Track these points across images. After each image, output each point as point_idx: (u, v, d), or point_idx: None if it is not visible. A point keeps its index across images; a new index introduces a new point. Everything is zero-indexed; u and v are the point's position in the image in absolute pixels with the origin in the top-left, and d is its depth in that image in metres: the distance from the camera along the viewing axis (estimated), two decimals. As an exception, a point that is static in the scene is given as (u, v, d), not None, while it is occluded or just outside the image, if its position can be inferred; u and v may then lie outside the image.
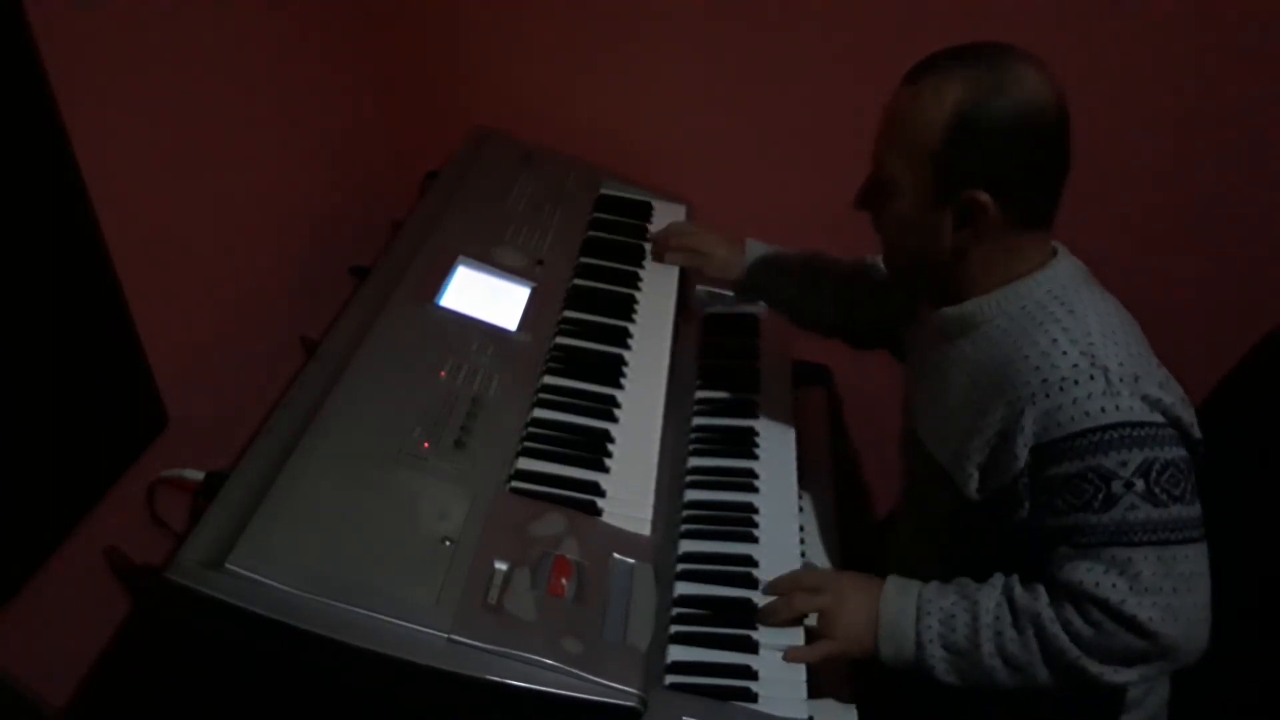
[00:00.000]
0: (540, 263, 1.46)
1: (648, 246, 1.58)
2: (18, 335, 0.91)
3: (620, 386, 1.32)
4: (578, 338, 1.38)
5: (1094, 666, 1.02)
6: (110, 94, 1.00)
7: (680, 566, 1.23)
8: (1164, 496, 0.99)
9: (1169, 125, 1.62)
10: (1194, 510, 1.01)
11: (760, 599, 1.19)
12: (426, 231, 1.44)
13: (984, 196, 1.03)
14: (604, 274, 1.50)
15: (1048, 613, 1.03)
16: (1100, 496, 1.00)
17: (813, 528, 1.42)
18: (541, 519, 1.10)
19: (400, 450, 1.09)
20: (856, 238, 1.26)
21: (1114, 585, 0.99)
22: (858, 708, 1.17)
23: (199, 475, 1.13)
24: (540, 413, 1.24)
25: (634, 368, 1.36)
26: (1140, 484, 0.99)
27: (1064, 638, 1.02)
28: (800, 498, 1.40)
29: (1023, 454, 1.03)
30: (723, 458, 1.39)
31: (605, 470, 1.20)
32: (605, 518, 1.14)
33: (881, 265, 1.41)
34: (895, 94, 1.08)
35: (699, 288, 1.66)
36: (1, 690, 0.95)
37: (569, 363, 1.33)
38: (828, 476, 1.51)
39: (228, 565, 0.93)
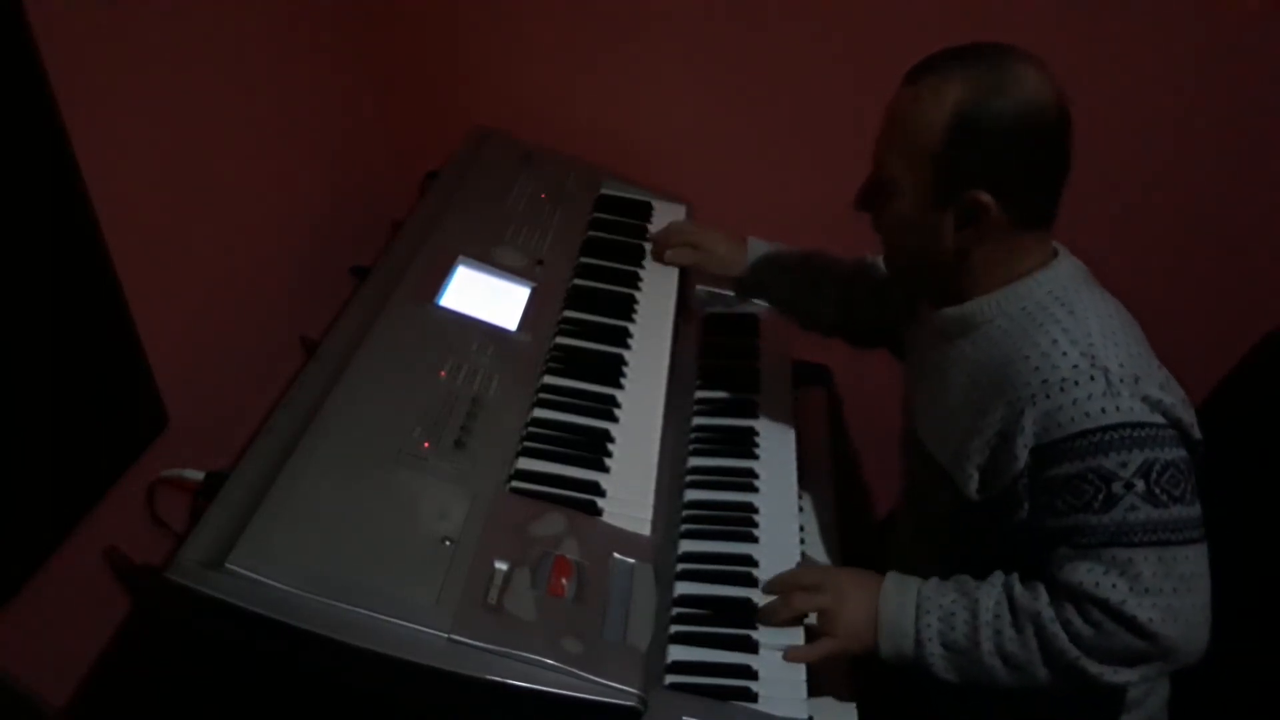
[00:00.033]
0: (540, 263, 1.46)
1: (648, 246, 1.58)
2: (18, 335, 0.90)
3: (620, 386, 1.32)
4: (578, 338, 1.38)
5: (1094, 667, 1.02)
6: (110, 94, 1.00)
7: (680, 566, 1.23)
8: (1164, 497, 0.99)
9: (1169, 125, 1.62)
10: (1194, 511, 1.02)
11: (760, 599, 1.19)
12: (426, 231, 1.44)
13: (985, 197, 1.03)
14: (604, 274, 1.50)
15: (1048, 612, 1.03)
16: (1100, 497, 1.00)
17: (813, 528, 1.42)
18: (541, 519, 1.10)
19: (400, 450, 1.09)
20: (856, 238, 1.26)
21: (1114, 586, 0.99)
22: (858, 707, 1.17)
23: (199, 475, 1.13)
24: (540, 413, 1.24)
25: (634, 368, 1.36)
26: (1140, 485, 0.99)
27: (1064, 637, 1.02)
28: (800, 498, 1.40)
29: (1023, 454, 1.03)
30: (723, 458, 1.39)
31: (605, 470, 1.20)
32: (605, 518, 1.14)
33: (882, 264, 1.41)
34: (895, 94, 1.08)
35: (699, 288, 1.66)
36: (1, 690, 0.95)
37: (569, 363, 1.33)
38: (828, 476, 1.51)
39: (228, 565, 0.93)
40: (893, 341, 1.42)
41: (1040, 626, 1.03)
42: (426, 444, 1.11)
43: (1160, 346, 1.10)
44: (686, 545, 1.26)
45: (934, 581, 1.12)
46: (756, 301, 1.59)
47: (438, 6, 1.68)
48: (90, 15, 0.96)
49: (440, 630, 0.94)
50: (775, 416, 1.47)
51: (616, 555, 1.10)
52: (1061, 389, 1.01)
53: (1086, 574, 1.01)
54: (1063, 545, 1.03)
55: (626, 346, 1.39)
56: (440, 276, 1.35)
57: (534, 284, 1.42)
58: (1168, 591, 0.99)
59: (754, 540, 1.27)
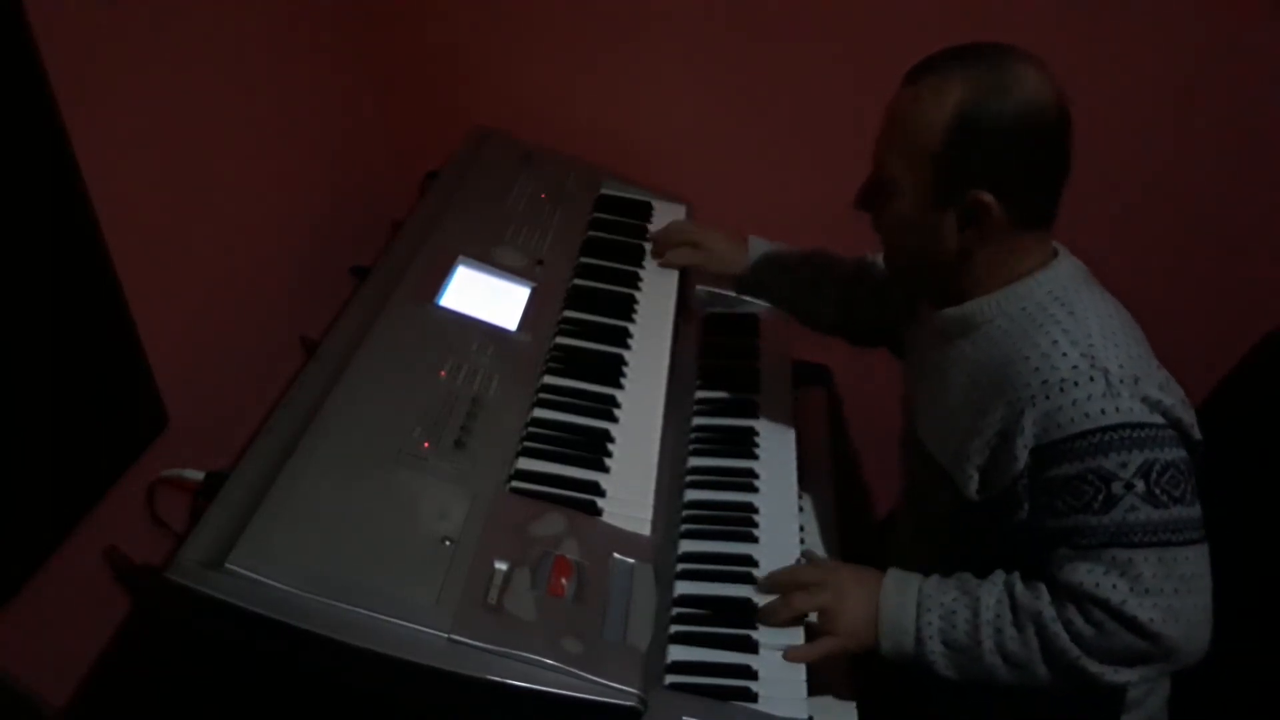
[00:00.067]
0: (540, 263, 1.46)
1: (648, 246, 1.58)
2: (18, 335, 0.90)
3: (620, 386, 1.32)
4: (578, 338, 1.38)
5: (1094, 666, 1.02)
6: (110, 94, 1.00)
7: (680, 566, 1.23)
8: (1164, 498, 0.99)
9: (1169, 125, 1.62)
10: (1194, 511, 1.02)
11: (760, 599, 1.19)
12: (426, 231, 1.44)
13: (987, 197, 1.03)
14: (604, 274, 1.50)
15: (1049, 611, 1.03)
16: (1100, 498, 1.00)
17: (813, 528, 1.42)
18: (541, 519, 1.10)
19: (400, 450, 1.09)
20: (856, 238, 1.26)
21: (1114, 586, 0.99)
22: (858, 706, 1.17)
23: (199, 475, 1.13)
24: (540, 413, 1.24)
25: (634, 368, 1.36)
26: (1141, 485, 0.99)
27: (1065, 637, 1.02)
28: (800, 498, 1.40)
29: (1023, 455, 1.03)
30: (723, 458, 1.39)
31: (605, 470, 1.20)
32: (605, 518, 1.14)
33: (882, 263, 1.41)
34: (895, 95, 1.08)
35: (699, 288, 1.66)
36: (1, 690, 0.95)
37: (569, 363, 1.33)
38: (828, 476, 1.51)
39: (228, 565, 0.93)
40: (893, 340, 1.42)
41: (1041, 626, 1.03)
42: (426, 444, 1.11)
43: (1160, 346, 1.10)
44: (686, 545, 1.26)
45: (935, 579, 1.12)
46: (756, 301, 1.59)
47: (438, 6, 1.68)
48: (90, 15, 0.96)
49: (440, 630, 0.94)
50: (775, 416, 1.47)
51: (616, 555, 1.10)
52: (1061, 389, 1.01)
53: (1087, 574, 1.01)
54: (1063, 546, 1.03)
55: (626, 346, 1.39)
56: (440, 276, 1.35)
57: (534, 284, 1.42)
58: (1168, 592, 0.99)
59: (754, 540, 1.27)
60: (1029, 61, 1.04)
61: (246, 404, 1.32)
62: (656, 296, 1.50)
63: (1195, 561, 1.01)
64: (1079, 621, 1.01)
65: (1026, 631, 1.04)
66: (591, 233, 1.58)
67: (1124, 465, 0.99)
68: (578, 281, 1.47)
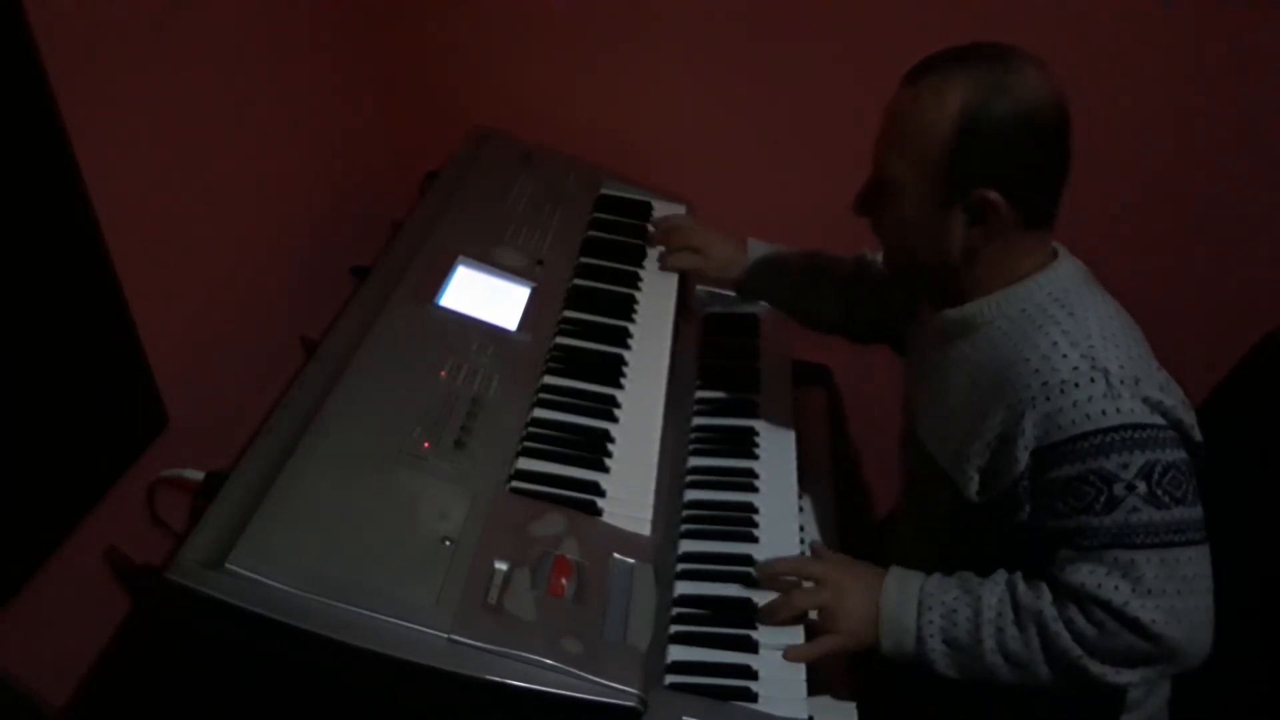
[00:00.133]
0: (540, 263, 1.46)
1: (648, 246, 1.58)
2: (18, 335, 0.90)
3: (620, 386, 1.32)
4: (578, 338, 1.38)
5: (1096, 667, 1.02)
6: (110, 94, 1.00)
7: (680, 566, 1.23)
8: (1166, 499, 0.99)
9: (1169, 125, 1.62)
10: (1196, 512, 1.01)
11: (760, 598, 1.19)
12: (426, 231, 1.44)
13: (994, 195, 1.03)
14: (604, 274, 1.50)
15: (1050, 611, 1.03)
16: (1102, 499, 1.00)
17: (813, 528, 1.42)
18: (541, 519, 1.10)
19: (400, 450, 1.09)
20: (857, 237, 1.26)
21: (1116, 587, 0.99)
22: (858, 706, 1.17)
23: (199, 475, 1.13)
24: (540, 413, 1.24)
25: (634, 368, 1.36)
26: (1142, 486, 0.99)
27: (1066, 637, 1.02)
28: (800, 498, 1.40)
29: (1023, 457, 1.03)
30: (723, 458, 1.39)
31: (605, 470, 1.20)
32: (605, 518, 1.14)
33: (881, 262, 1.41)
34: (895, 96, 1.08)
35: (699, 288, 1.66)
36: (1, 690, 0.95)
37: (569, 363, 1.33)
38: (828, 476, 1.51)
39: (228, 565, 0.93)
40: (894, 338, 1.42)
41: (1043, 625, 1.03)
42: (426, 444, 1.11)
43: (1160, 347, 1.10)
44: (686, 545, 1.26)
45: (936, 578, 1.12)
46: (760, 301, 1.60)
47: (438, 6, 1.68)
48: (90, 15, 0.96)
49: (440, 630, 0.94)
50: (775, 416, 1.47)
51: (616, 555, 1.10)
52: (1062, 391, 1.01)
53: (1089, 575, 1.01)
54: (1065, 547, 1.03)
55: (626, 346, 1.39)
56: (440, 276, 1.35)
57: (534, 284, 1.42)
58: (1170, 593, 0.99)
59: (754, 540, 1.27)
60: (1030, 61, 1.04)
61: (246, 404, 1.32)
62: (656, 296, 1.50)
63: (1197, 562, 1.01)
64: (1081, 621, 1.01)
65: (1028, 631, 1.04)
66: (591, 233, 1.58)
67: (1125, 466, 0.99)
68: (578, 281, 1.47)
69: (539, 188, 1.60)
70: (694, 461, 1.38)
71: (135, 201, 1.06)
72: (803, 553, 1.27)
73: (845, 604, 1.13)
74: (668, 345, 1.42)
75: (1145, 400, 1.01)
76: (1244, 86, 1.57)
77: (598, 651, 0.98)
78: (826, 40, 1.61)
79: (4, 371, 0.89)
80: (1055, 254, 1.13)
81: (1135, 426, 0.99)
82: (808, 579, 1.17)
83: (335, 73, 1.57)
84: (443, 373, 1.21)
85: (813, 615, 1.16)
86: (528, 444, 1.19)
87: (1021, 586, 1.06)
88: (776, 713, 1.08)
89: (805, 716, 1.09)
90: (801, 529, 1.35)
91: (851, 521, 1.50)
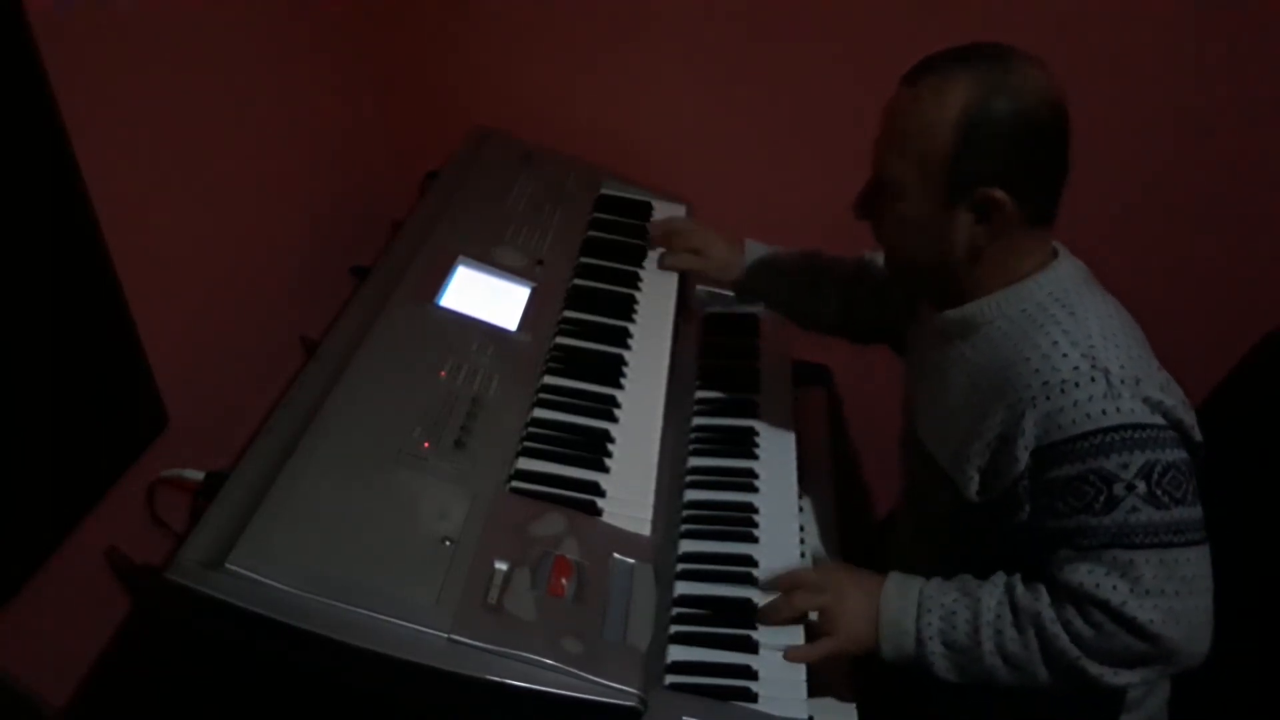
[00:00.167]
0: (540, 263, 1.46)
1: (648, 247, 1.58)
2: (18, 335, 0.90)
3: (620, 386, 1.32)
4: (578, 338, 1.37)
5: (1094, 668, 1.02)
6: (110, 94, 1.00)
7: (680, 566, 1.23)
8: (1165, 499, 0.99)
9: (1169, 125, 1.62)
10: (1196, 513, 1.01)
11: (760, 598, 1.19)
12: (426, 231, 1.44)
13: (1000, 193, 1.03)
14: (604, 274, 1.50)
15: (1048, 613, 1.03)
16: (1101, 499, 1.00)
17: (813, 528, 1.42)
18: (541, 519, 1.10)
19: (400, 450, 1.09)
20: (856, 238, 1.26)
21: (1115, 587, 0.99)
22: (858, 707, 1.17)
23: (199, 475, 1.13)
24: (540, 413, 1.24)
25: (634, 368, 1.36)
26: (1142, 486, 0.99)
27: (1064, 638, 1.02)
28: (800, 498, 1.40)
29: (1023, 456, 1.03)
30: (723, 458, 1.39)
31: (605, 470, 1.20)
32: (605, 518, 1.14)
33: (880, 262, 1.41)
34: (894, 97, 1.08)
35: (699, 288, 1.66)
36: (1, 690, 0.95)
37: (569, 363, 1.33)
38: (828, 476, 1.51)
39: (228, 565, 0.93)
40: (893, 338, 1.42)
41: (1041, 627, 1.03)
42: (426, 444, 1.11)
43: (1160, 346, 1.10)
44: (686, 545, 1.26)
45: (936, 581, 1.12)
46: (758, 302, 1.60)
47: (438, 6, 1.68)
48: (90, 15, 0.96)
49: (440, 630, 0.94)
50: (775, 416, 1.47)
51: (616, 555, 1.10)
52: (1062, 390, 1.01)
53: (1087, 575, 1.01)
54: (1064, 547, 1.03)
55: (626, 346, 1.39)
56: (440, 276, 1.35)
57: (534, 284, 1.42)
58: (1169, 593, 0.99)
59: (754, 540, 1.27)
60: (1028, 60, 1.04)
61: (246, 404, 1.32)
62: (656, 296, 1.50)
63: (1196, 563, 1.01)
64: (1078, 622, 1.01)
65: (1026, 633, 1.04)
66: (591, 233, 1.58)
67: (1125, 466, 0.99)
68: (578, 281, 1.47)
69: (539, 188, 1.60)
70: (694, 461, 1.38)
71: (135, 201, 1.06)
72: (802, 554, 1.27)
73: (846, 607, 1.13)
74: (668, 345, 1.42)
75: (1145, 400, 1.01)
76: (1244, 86, 1.57)
77: (598, 651, 0.98)
78: (826, 40, 1.61)
79: (4, 372, 0.89)
80: (1055, 254, 1.13)
81: (1135, 426, 0.99)
82: (809, 583, 1.18)
83: (335, 73, 1.57)
84: (443, 373, 1.21)
85: (813, 618, 1.16)
86: (528, 444, 1.19)
87: (1020, 588, 1.06)
88: (776, 713, 1.08)
89: (805, 717, 1.09)
90: (801, 529, 1.35)
91: (851, 521, 1.50)
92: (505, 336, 1.32)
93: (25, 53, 0.86)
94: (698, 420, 1.45)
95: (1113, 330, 1.06)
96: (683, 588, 1.21)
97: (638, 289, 1.50)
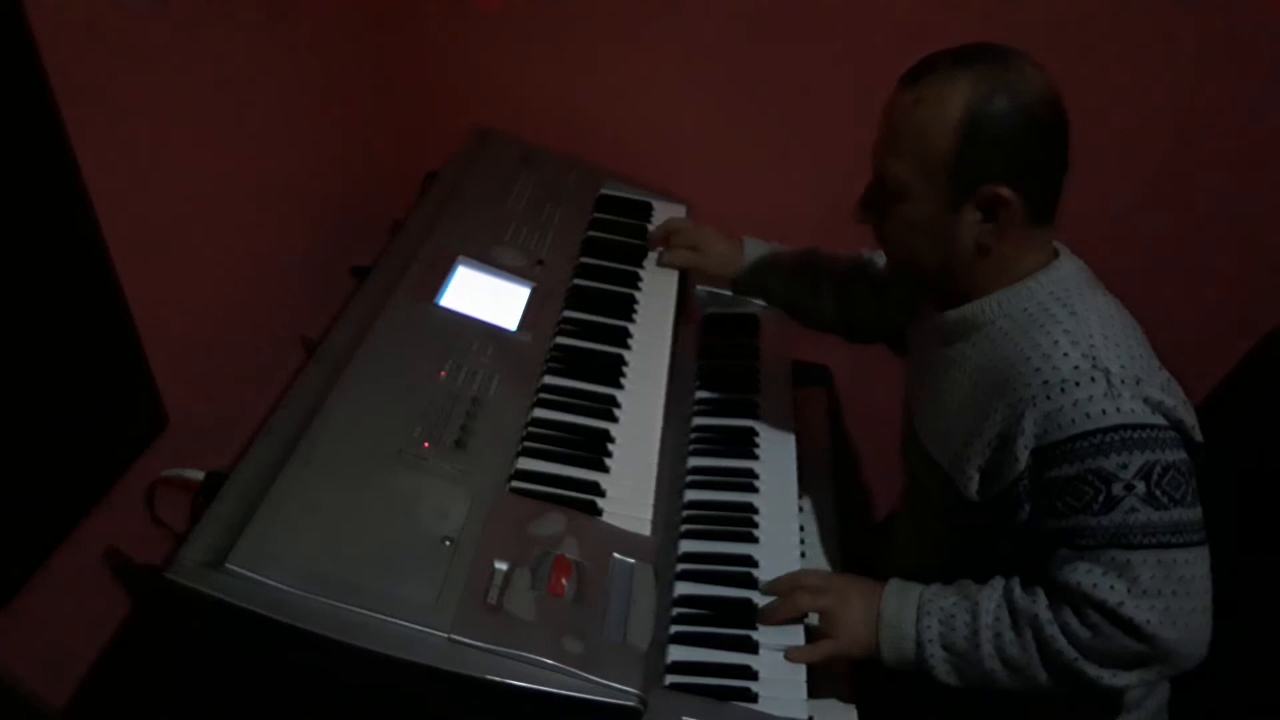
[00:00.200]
0: (540, 263, 1.46)
1: (648, 247, 1.58)
2: (18, 335, 0.90)
3: (620, 386, 1.32)
4: (578, 338, 1.38)
5: (1092, 669, 1.02)
6: (110, 94, 1.00)
7: (680, 566, 1.23)
8: (1165, 499, 0.99)
9: (1169, 126, 1.62)
10: (1195, 514, 1.01)
11: (760, 599, 1.19)
12: (426, 231, 1.44)
13: (1006, 191, 1.03)
14: (604, 274, 1.50)
15: (1046, 615, 1.03)
16: (1100, 499, 1.00)
17: (813, 528, 1.42)
18: (541, 519, 1.10)
19: (400, 450, 1.09)
20: (856, 238, 1.26)
21: (1112, 588, 0.99)
22: (858, 708, 1.17)
23: (199, 475, 1.13)
24: (540, 413, 1.24)
25: (634, 368, 1.36)
26: (1141, 486, 0.99)
27: (1062, 640, 1.02)
28: (800, 498, 1.40)
29: (1023, 456, 1.03)
30: (723, 458, 1.39)
31: (605, 470, 1.20)
32: (605, 518, 1.14)
33: (879, 260, 1.41)
34: (894, 100, 1.08)
35: (699, 288, 1.66)
36: (1, 690, 0.95)
37: (569, 363, 1.33)
38: (828, 476, 1.51)
39: (228, 565, 0.93)
40: (891, 337, 1.42)
41: (1039, 629, 1.03)
42: (426, 444, 1.11)
43: (1160, 346, 1.10)
44: (686, 545, 1.26)
45: (935, 586, 1.12)
46: (756, 301, 1.60)
47: (438, 6, 1.68)
48: (90, 15, 0.96)
49: (440, 630, 0.94)
50: (775, 416, 1.47)
51: (616, 555, 1.10)
52: (1062, 390, 1.01)
53: (1085, 575, 1.01)
54: (1062, 546, 1.03)
55: (626, 346, 1.39)
56: (440, 276, 1.35)
57: (534, 284, 1.42)
58: (1166, 594, 0.99)
59: (754, 540, 1.27)
60: (1026, 59, 1.05)
61: (246, 404, 1.32)
62: (656, 296, 1.50)
63: (1195, 564, 1.01)
64: (1075, 624, 1.01)
65: (1025, 635, 1.04)
66: (591, 233, 1.58)
67: (1124, 466, 0.99)
68: (578, 281, 1.47)
69: (539, 188, 1.60)
70: (694, 461, 1.38)
71: (135, 201, 1.06)
72: (802, 554, 1.27)
73: (846, 609, 1.14)
74: (668, 345, 1.42)
75: (1146, 400, 1.01)
76: (1245, 86, 1.57)
77: (598, 651, 0.98)
78: (826, 40, 1.61)
79: (4, 371, 0.89)
80: (1056, 253, 1.13)
81: (1135, 426, 0.99)
82: (810, 584, 1.18)
83: (335, 73, 1.57)
84: (443, 373, 1.21)
85: (813, 619, 1.16)
86: (528, 444, 1.19)
87: (1018, 591, 1.06)
88: (776, 713, 1.08)
89: (805, 717, 1.09)
90: (801, 529, 1.35)
91: (851, 522, 1.50)
92: (505, 336, 1.32)
93: (25, 53, 0.86)
94: (698, 420, 1.45)
95: (1114, 330, 1.06)
96: (683, 588, 1.21)
97: (638, 289, 1.50)
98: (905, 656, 1.10)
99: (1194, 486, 1.02)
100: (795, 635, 1.16)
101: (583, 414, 1.26)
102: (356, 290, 1.35)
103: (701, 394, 1.49)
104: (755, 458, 1.39)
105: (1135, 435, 0.99)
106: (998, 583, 1.09)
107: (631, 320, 1.44)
